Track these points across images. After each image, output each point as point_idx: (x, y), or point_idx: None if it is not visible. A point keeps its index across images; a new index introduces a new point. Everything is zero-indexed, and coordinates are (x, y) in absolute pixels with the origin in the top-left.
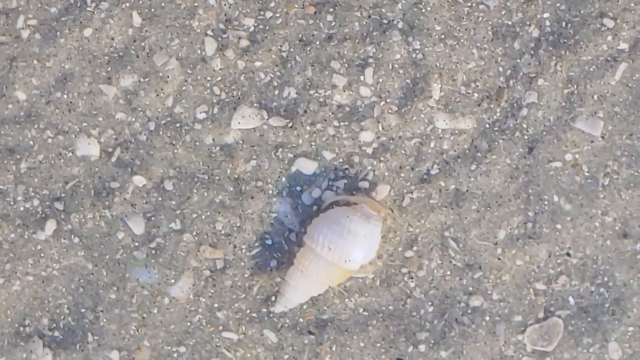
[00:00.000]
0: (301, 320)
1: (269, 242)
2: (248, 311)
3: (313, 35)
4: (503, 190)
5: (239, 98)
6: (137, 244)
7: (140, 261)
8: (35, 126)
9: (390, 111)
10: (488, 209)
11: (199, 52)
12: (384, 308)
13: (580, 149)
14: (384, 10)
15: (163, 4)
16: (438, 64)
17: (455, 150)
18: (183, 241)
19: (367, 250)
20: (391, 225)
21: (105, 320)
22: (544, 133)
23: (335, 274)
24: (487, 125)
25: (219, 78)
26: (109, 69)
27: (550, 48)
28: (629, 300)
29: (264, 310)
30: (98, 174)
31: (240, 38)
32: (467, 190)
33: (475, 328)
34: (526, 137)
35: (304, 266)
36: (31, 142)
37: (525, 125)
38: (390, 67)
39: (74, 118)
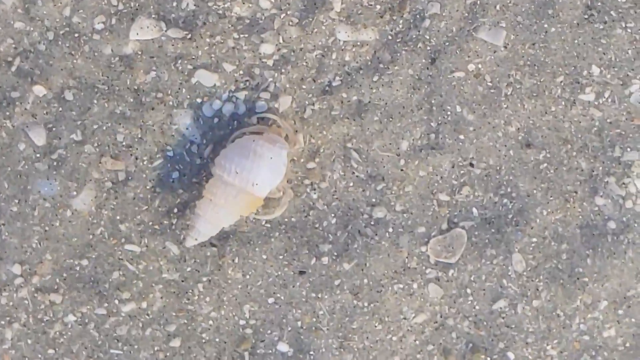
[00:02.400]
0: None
1: (170, 153)
2: (150, 223)
3: None
4: (406, 101)
5: (137, 9)
6: (38, 155)
7: (42, 173)
8: None
9: (290, 23)
10: (390, 119)
11: None
12: (286, 220)
13: (483, 59)
14: None
15: None
16: None
17: (357, 62)
18: (84, 152)
19: (274, 172)
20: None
21: (6, 233)
22: (447, 44)
23: (245, 201)
24: (390, 37)
25: None
26: None
27: None
28: (532, 211)
29: (166, 222)
30: None
31: None
32: (369, 102)
33: (379, 240)
34: (429, 48)
35: (212, 194)
36: None
37: (427, 37)
38: None
39: None
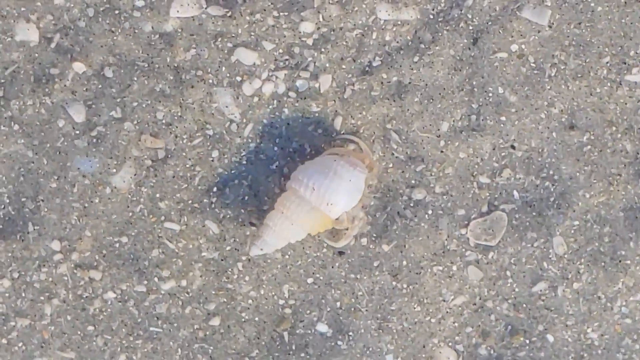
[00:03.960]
0: (243, 211)
1: (210, 132)
2: (190, 201)
3: None
4: (446, 82)
5: None
6: (77, 132)
7: (81, 150)
8: None
9: (331, 1)
10: (431, 101)
11: None
12: None
13: (527, 39)
14: None
15: None
16: None
17: (397, 42)
18: (124, 130)
19: (350, 195)
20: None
21: (46, 209)
22: (489, 23)
23: (317, 219)
24: (431, 16)
25: None
26: None
27: None
28: (574, 194)
29: (206, 200)
30: (38, 60)
31: None
32: (409, 83)
33: (418, 222)
34: (471, 28)
35: (285, 208)
36: None
37: (470, 16)
38: None
39: (12, 2)
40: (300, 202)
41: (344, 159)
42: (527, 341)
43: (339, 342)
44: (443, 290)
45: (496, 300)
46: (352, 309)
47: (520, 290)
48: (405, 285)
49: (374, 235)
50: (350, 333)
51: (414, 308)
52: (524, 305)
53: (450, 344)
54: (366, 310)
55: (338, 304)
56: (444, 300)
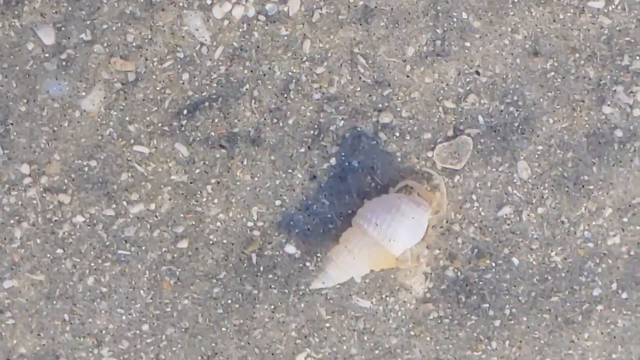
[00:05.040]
0: (213, 133)
1: (180, 55)
2: (159, 124)
3: None
4: (412, 6)
5: None
6: (47, 55)
7: (51, 73)
8: None
9: None
10: (397, 25)
11: None
12: (297, 121)
13: None
14: None
15: None
16: None
17: None
18: (94, 53)
19: (413, 232)
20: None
21: (15, 133)
22: None
23: (378, 255)
24: None
25: None
26: None
27: None
28: (538, 119)
29: (176, 124)
30: None
31: None
32: (375, 7)
33: (385, 145)
34: None
35: (349, 243)
36: None
37: None
38: None
39: None
40: (363, 238)
41: (408, 197)
42: (493, 264)
43: (307, 264)
44: None
45: (463, 223)
46: (321, 231)
47: (486, 214)
48: None
49: (343, 155)
50: (319, 254)
51: None
52: (490, 229)
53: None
54: (335, 231)
55: (306, 225)
56: None
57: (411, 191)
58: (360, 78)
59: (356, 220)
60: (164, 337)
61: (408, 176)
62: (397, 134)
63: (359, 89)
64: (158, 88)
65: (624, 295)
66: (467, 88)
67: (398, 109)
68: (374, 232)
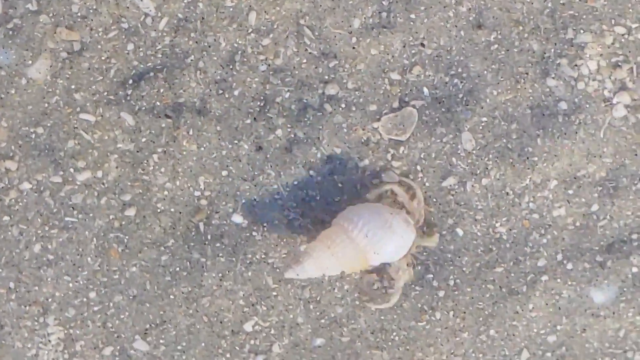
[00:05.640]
0: (158, 103)
1: (125, 25)
2: (105, 93)
3: None
4: None
5: None
6: None
7: None
8: None
9: None
10: None
11: None
12: (243, 94)
13: None
14: None
15: None
16: None
17: None
18: (40, 22)
19: (397, 250)
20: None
21: None
22: None
23: (358, 262)
24: None
25: None
26: None
27: None
28: (482, 91)
29: (121, 92)
30: None
31: None
32: None
33: (331, 117)
34: None
35: (332, 242)
36: None
37: None
38: None
39: None
40: (349, 243)
41: (400, 216)
42: (438, 234)
43: (254, 233)
44: (357, 185)
45: (407, 194)
46: (268, 201)
47: (430, 185)
48: (319, 179)
49: (289, 125)
50: (265, 224)
51: (334, 198)
52: (434, 200)
53: None
54: (281, 201)
55: (254, 196)
56: (360, 195)
57: (396, 202)
58: (306, 50)
59: (341, 222)
60: (111, 304)
61: (390, 181)
62: (343, 106)
63: (305, 60)
64: (103, 58)
65: (569, 266)
66: (413, 60)
67: (344, 81)
68: (362, 241)
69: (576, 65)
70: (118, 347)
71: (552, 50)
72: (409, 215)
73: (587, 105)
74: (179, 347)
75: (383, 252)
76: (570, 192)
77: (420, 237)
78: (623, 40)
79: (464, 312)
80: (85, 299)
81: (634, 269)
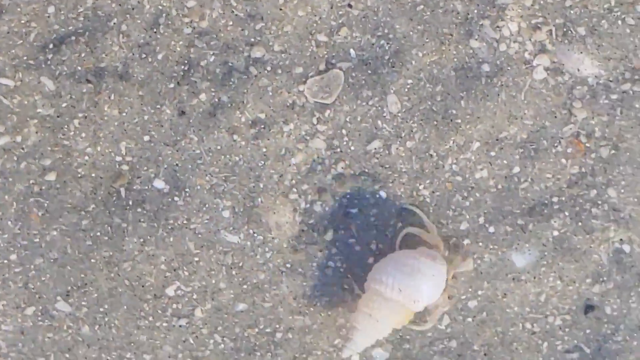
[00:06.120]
0: (79, 68)
1: None
2: (25, 58)
3: None
4: None
5: None
6: None
7: None
8: None
9: None
10: None
11: None
12: (167, 57)
13: None
14: None
15: None
16: None
17: None
18: None
19: (435, 289)
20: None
21: None
22: None
23: (402, 315)
24: None
25: None
26: None
27: None
28: (408, 53)
29: (41, 57)
30: None
31: None
32: None
33: (257, 80)
34: None
35: (371, 309)
36: None
37: None
38: None
39: None
40: (387, 304)
41: (422, 254)
42: (360, 198)
43: (176, 198)
44: (282, 149)
45: (332, 158)
46: (189, 167)
47: (355, 148)
48: (243, 144)
49: (213, 89)
50: (187, 189)
51: (258, 163)
52: (360, 163)
53: (288, 200)
54: (204, 166)
55: (175, 161)
56: (284, 160)
57: (419, 244)
58: (232, 12)
59: (371, 285)
60: (32, 267)
61: (407, 225)
62: (269, 69)
63: (231, 23)
64: (23, 21)
65: (491, 229)
66: (340, 21)
67: (270, 43)
68: (399, 297)
69: (498, 27)
70: (40, 308)
71: (475, 11)
72: (433, 248)
73: (509, 68)
74: (101, 310)
75: (422, 298)
76: (493, 154)
77: (451, 263)
78: (542, 2)
79: None
80: (6, 261)
81: (555, 233)
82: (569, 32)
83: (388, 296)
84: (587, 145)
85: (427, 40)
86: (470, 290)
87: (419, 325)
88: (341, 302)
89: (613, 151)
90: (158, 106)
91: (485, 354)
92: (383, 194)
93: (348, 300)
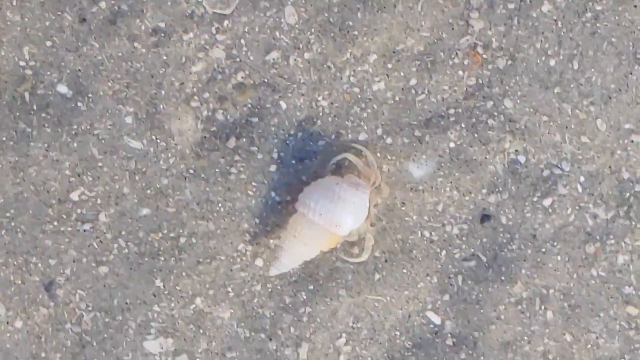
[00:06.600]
0: None
1: None
2: None
3: None
4: None
5: None
6: None
7: None
8: None
9: None
10: None
11: None
12: None
13: None
14: None
15: None
16: None
17: None
18: None
19: (356, 215)
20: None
21: None
22: None
23: (327, 239)
24: None
25: None
26: None
27: None
28: None
29: None
30: None
31: None
32: None
33: None
34: None
35: (297, 231)
36: None
37: None
38: None
39: None
40: (310, 226)
41: (345, 181)
42: (260, 107)
43: (79, 104)
44: (182, 57)
45: (231, 68)
46: (92, 72)
47: (254, 59)
48: (144, 51)
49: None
50: (90, 95)
51: (159, 70)
52: (259, 73)
53: (190, 108)
54: (105, 73)
55: (77, 67)
56: (185, 68)
57: (346, 172)
58: None
59: (299, 208)
60: None
61: (346, 151)
62: None
63: None
64: None
65: (389, 140)
66: None
67: None
68: (320, 221)
69: None
70: None
71: None
72: (362, 178)
73: None
74: (7, 215)
75: (344, 222)
76: (390, 66)
77: (375, 194)
78: None
79: (289, 186)
80: None
81: (452, 144)
82: None
83: (311, 219)
84: (484, 56)
85: None
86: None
87: (354, 257)
88: (245, 208)
89: (510, 62)
90: (59, 12)
91: (385, 261)
92: (283, 104)
93: (251, 205)
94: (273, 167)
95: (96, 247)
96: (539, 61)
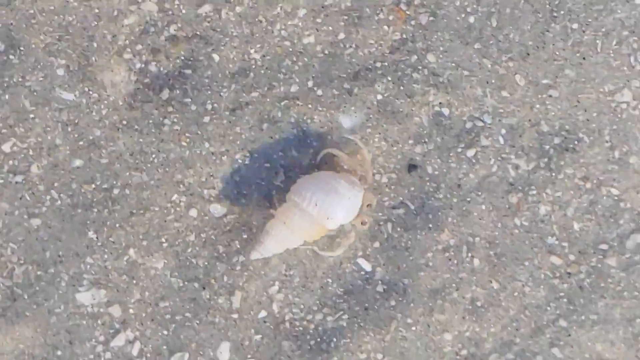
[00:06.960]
0: None
1: None
2: None
3: None
4: None
5: None
6: None
7: None
8: None
9: None
10: None
11: None
12: None
13: None
14: None
15: None
16: None
17: None
18: None
19: (349, 211)
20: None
21: None
22: None
23: (315, 230)
24: None
25: None
26: None
27: None
28: None
29: None
30: None
31: None
32: None
33: None
34: None
35: (287, 218)
36: None
37: None
38: None
39: None
40: (302, 215)
41: (343, 177)
42: (193, 59)
43: (11, 57)
44: (114, 10)
45: (164, 21)
46: (23, 26)
47: (187, 12)
48: (76, 4)
49: None
50: (22, 48)
51: (91, 23)
52: (192, 26)
53: (122, 60)
54: (37, 26)
55: (10, 20)
56: (117, 21)
57: (338, 164)
58: None
59: (292, 197)
60: None
61: (330, 146)
62: None
63: None
64: None
65: (319, 92)
66: None
67: None
68: (314, 211)
69: None
70: None
71: None
72: (355, 175)
73: None
74: None
75: (336, 216)
76: (319, 20)
77: (369, 195)
78: None
79: (222, 137)
80: None
81: (379, 96)
82: None
83: (304, 208)
84: (408, 12)
85: None
86: (302, 149)
87: (329, 251)
88: (178, 159)
89: (432, 18)
90: None
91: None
92: (216, 56)
93: (185, 156)
94: (207, 119)
95: (28, 199)
96: (458, 18)
